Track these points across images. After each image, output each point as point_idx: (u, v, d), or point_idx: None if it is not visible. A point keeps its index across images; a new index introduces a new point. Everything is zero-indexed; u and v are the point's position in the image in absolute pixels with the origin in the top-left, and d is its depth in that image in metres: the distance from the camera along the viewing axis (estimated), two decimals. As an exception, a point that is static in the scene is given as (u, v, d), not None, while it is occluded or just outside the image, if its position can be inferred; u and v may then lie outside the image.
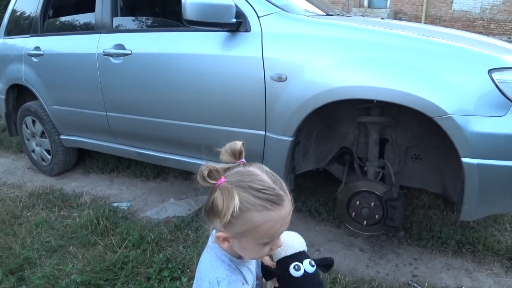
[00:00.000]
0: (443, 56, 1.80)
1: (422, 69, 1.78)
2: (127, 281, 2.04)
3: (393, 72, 1.81)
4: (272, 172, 0.90)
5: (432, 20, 14.39)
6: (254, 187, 0.84)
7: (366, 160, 2.33)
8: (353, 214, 2.23)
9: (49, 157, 3.53)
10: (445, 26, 12.43)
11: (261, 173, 0.87)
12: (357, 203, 2.19)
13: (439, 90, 1.73)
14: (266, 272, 1.10)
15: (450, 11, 14.27)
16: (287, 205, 0.87)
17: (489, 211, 1.99)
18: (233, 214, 0.81)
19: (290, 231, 1.13)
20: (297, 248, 1.10)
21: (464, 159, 1.74)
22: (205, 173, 0.84)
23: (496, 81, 1.69)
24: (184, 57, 2.32)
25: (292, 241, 1.10)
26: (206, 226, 0.96)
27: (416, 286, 2.03)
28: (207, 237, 1.04)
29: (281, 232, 0.89)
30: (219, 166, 0.88)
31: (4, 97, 3.74)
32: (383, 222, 2.17)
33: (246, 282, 0.93)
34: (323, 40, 1.97)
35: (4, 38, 3.80)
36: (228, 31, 2.16)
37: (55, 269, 2.15)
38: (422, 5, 14.49)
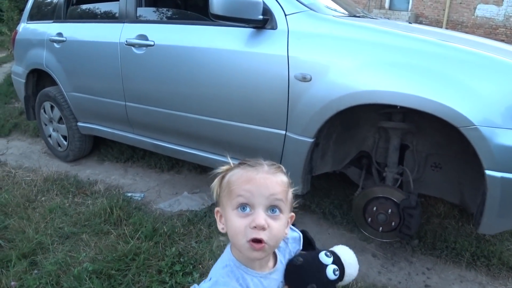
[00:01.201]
0: (472, 64, 1.76)
1: (450, 77, 1.75)
2: (138, 273, 2.03)
3: (419, 78, 1.78)
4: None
5: (453, 25, 14.19)
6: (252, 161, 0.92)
7: (384, 166, 2.30)
8: (369, 219, 2.20)
9: (65, 143, 3.55)
10: (467, 32, 12.25)
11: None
12: (374, 208, 2.16)
13: (466, 99, 1.69)
14: None
15: (472, 17, 14.05)
16: (259, 170, 0.88)
17: (509, 225, 1.95)
18: (220, 181, 0.91)
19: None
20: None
21: (487, 172, 1.70)
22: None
23: None
24: (207, 51, 2.31)
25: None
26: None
27: (429, 296, 2.00)
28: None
29: (258, 203, 0.85)
30: None
31: (24, 81, 3.77)
32: (399, 230, 2.13)
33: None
34: (349, 42, 1.94)
35: (27, 23, 3.83)
36: (254, 27, 2.14)
37: (67, 256, 2.16)
38: (444, 10, 14.29)
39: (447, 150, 2.17)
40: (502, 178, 1.69)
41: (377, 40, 1.91)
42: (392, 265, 2.27)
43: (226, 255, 0.93)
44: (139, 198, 2.86)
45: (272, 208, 0.86)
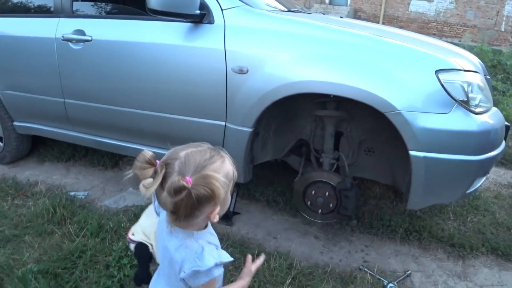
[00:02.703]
0: (396, 56, 1.92)
1: (376, 67, 1.90)
2: (86, 270, 2.03)
3: (349, 69, 1.92)
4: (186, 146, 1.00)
5: (389, 20, 14.91)
6: (206, 158, 0.96)
7: (322, 152, 2.44)
8: (309, 203, 2.33)
9: (1, 144, 3.40)
10: (402, 27, 12.92)
11: (189, 149, 0.98)
12: (313, 192, 2.30)
13: (390, 87, 1.85)
14: None
15: (407, 12, 14.83)
16: (223, 151, 1.03)
17: (434, 200, 2.14)
18: (221, 184, 0.93)
19: None
20: None
21: (411, 152, 1.87)
22: (182, 183, 0.89)
23: (442, 81, 1.83)
24: (146, 46, 2.32)
25: None
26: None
27: (367, 270, 2.15)
28: None
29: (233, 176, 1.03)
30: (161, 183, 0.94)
31: (-49, 80, 3.55)
32: (337, 211, 2.28)
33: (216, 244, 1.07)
34: (283, 36, 2.04)
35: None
36: (191, 22, 2.18)
37: (10, 259, 2.10)
38: (381, 5, 14.97)
39: (378, 136, 2.34)
40: (424, 157, 1.86)
41: (309, 33, 2.03)
42: (333, 245, 2.41)
43: (184, 235, 1.02)
44: (83, 197, 2.82)
45: None
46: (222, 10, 2.15)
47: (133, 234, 1.58)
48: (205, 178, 0.91)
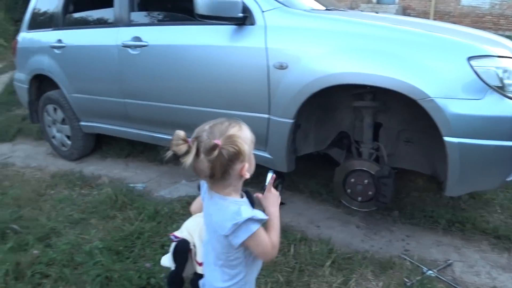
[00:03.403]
0: (426, 45, 2.00)
1: (408, 57, 1.99)
2: (143, 248, 2.26)
3: (381, 60, 2.02)
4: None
5: (440, 16, 14.41)
6: (226, 125, 1.14)
7: (361, 143, 2.53)
8: (349, 191, 2.43)
9: (69, 142, 3.78)
10: (454, 22, 12.44)
11: (210, 123, 1.16)
12: (352, 180, 2.40)
13: (422, 75, 1.93)
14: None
15: (459, 6, 14.27)
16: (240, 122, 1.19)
17: (471, 187, 2.17)
18: (244, 142, 1.11)
19: None
20: None
21: (446, 138, 1.93)
22: (212, 143, 1.09)
23: (475, 68, 1.88)
24: (195, 48, 2.56)
25: None
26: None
27: (406, 258, 2.18)
28: None
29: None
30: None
31: (27, 86, 4.00)
32: (376, 199, 2.36)
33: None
34: (318, 32, 2.19)
35: (27, 32, 4.05)
36: (235, 24, 2.38)
37: (79, 238, 2.40)
38: (431, 1, 14.50)
39: (416, 126, 2.40)
40: (459, 143, 1.92)
41: (342, 28, 2.17)
42: (374, 234, 2.47)
43: (224, 200, 1.19)
44: (141, 188, 3.09)
45: None
46: (262, 12, 2.33)
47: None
48: (230, 137, 1.10)
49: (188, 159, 1.09)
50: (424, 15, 14.48)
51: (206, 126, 1.15)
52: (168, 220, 2.51)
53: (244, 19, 2.33)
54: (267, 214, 1.24)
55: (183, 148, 1.10)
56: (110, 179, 3.27)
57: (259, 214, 1.17)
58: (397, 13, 13.79)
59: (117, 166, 3.63)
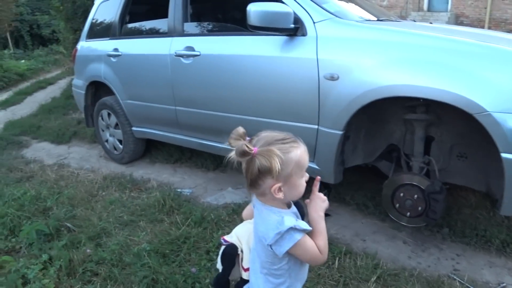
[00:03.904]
0: (483, 56, 1.93)
1: (463, 69, 1.92)
2: (189, 253, 2.32)
3: (435, 72, 1.96)
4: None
5: (496, 23, 13.78)
6: (277, 139, 1.13)
7: (412, 157, 2.47)
8: (397, 205, 2.37)
9: (121, 146, 3.95)
10: (511, 30, 11.87)
11: (271, 132, 1.16)
12: (401, 195, 2.34)
13: (479, 88, 1.85)
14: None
15: (516, 14, 13.60)
16: (302, 142, 1.17)
17: None
18: (280, 161, 1.08)
19: None
20: None
21: (503, 155, 1.84)
22: (245, 148, 1.09)
23: None
24: (246, 58, 2.61)
25: None
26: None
27: (456, 278, 2.10)
28: None
29: (308, 163, 1.18)
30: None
31: (84, 92, 4.22)
32: (426, 214, 2.29)
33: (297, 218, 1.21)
34: (370, 43, 2.17)
35: (85, 41, 4.29)
36: (286, 35, 2.40)
37: (127, 239, 2.49)
38: (485, 8, 13.91)
39: (471, 140, 2.31)
40: None
41: (395, 39, 2.13)
42: (422, 251, 2.39)
43: (268, 209, 1.20)
44: (188, 193, 3.17)
45: None
46: (314, 23, 2.34)
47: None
48: (268, 151, 1.08)
49: (232, 154, 1.12)
50: (478, 23, 13.91)
51: (264, 133, 1.16)
52: (214, 227, 2.56)
53: (295, 30, 2.35)
54: (311, 220, 1.24)
55: (234, 143, 1.13)
56: (158, 183, 3.37)
57: (302, 224, 1.17)
58: (449, 21, 13.33)
59: (165, 171, 3.74)
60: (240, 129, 1.15)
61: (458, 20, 14.23)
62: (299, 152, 1.14)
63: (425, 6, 14.95)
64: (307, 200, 1.30)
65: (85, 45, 4.27)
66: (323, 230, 1.23)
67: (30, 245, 2.50)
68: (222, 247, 1.66)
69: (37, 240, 2.48)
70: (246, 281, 1.44)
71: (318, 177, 1.31)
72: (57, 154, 4.58)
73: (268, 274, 1.24)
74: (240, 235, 1.65)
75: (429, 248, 2.42)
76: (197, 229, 2.53)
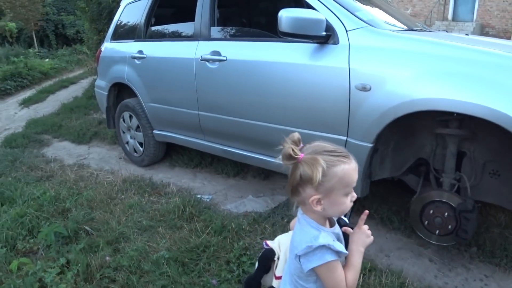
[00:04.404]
0: None
1: (500, 83, 1.84)
2: (209, 262, 2.27)
3: (472, 86, 1.89)
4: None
5: (523, 36, 13.50)
6: (327, 150, 1.11)
7: (442, 172, 2.38)
8: (426, 222, 2.28)
9: (141, 149, 3.93)
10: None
11: (324, 143, 1.14)
12: (431, 212, 2.25)
13: None
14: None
15: (544, 26, 13.31)
16: (354, 159, 1.13)
17: None
18: (323, 172, 1.06)
19: None
20: None
21: None
22: (290, 151, 1.09)
23: None
24: (275, 65, 2.55)
25: None
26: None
27: (486, 301, 2.03)
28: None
29: (355, 183, 1.12)
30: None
31: (106, 93, 4.23)
32: (456, 233, 2.20)
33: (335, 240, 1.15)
34: (406, 54, 2.09)
35: (110, 42, 4.30)
36: (317, 43, 2.35)
37: (146, 245, 2.46)
38: (512, 20, 13.66)
39: (505, 157, 2.22)
40: None
41: (431, 51, 2.04)
42: (449, 270, 2.31)
43: (307, 221, 1.16)
44: (208, 199, 3.13)
45: None
46: (346, 31, 2.28)
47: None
48: (313, 159, 1.07)
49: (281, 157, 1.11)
50: (504, 33, 13.65)
51: (317, 143, 1.15)
52: (234, 236, 2.51)
53: (327, 38, 2.29)
54: (349, 251, 1.18)
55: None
56: (178, 188, 3.34)
57: (338, 245, 1.12)
58: (474, 31, 13.12)
59: (185, 176, 3.71)
60: (296, 135, 1.13)
61: (483, 30, 14.00)
62: (346, 168, 1.10)
63: (450, 16, 14.76)
64: (348, 229, 1.25)
65: (109, 47, 4.28)
66: (357, 264, 1.17)
67: (48, 247, 2.50)
68: (262, 250, 1.65)
69: (55, 243, 2.47)
70: None
71: (366, 211, 1.26)
72: (77, 154, 4.61)
73: None
74: (282, 243, 1.64)
75: (456, 268, 2.34)
76: (217, 237, 2.48)
